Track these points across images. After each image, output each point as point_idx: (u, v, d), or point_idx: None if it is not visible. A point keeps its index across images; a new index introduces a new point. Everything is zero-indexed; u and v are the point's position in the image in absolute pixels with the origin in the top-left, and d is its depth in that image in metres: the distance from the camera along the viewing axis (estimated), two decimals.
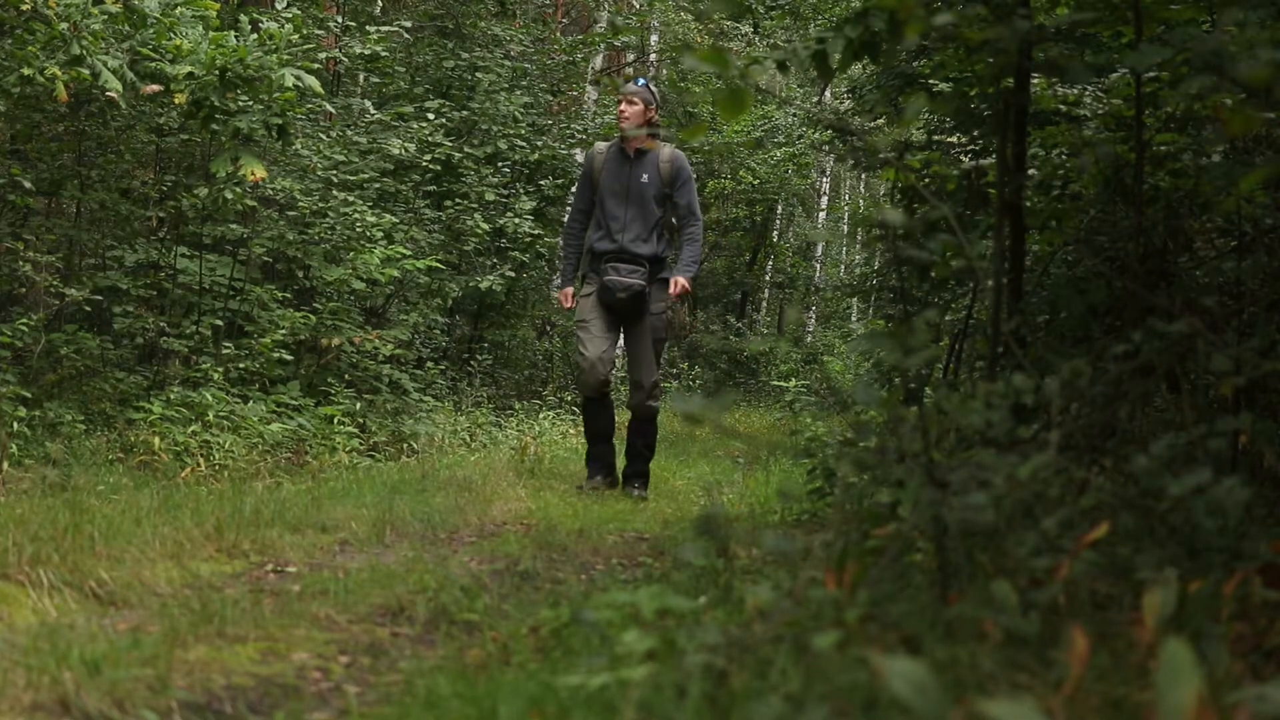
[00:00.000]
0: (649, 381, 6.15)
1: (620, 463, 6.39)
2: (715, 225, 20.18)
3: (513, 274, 10.76)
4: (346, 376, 7.96)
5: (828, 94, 17.06)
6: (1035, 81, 4.33)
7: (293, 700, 2.36)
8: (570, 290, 6.39)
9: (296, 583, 3.35)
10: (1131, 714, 1.75)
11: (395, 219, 8.66)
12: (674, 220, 6.29)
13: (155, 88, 6.39)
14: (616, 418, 6.54)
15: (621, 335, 6.31)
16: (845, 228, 23.37)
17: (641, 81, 6.31)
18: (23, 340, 5.97)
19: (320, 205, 7.97)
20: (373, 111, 9.43)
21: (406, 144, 9.09)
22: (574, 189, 6.53)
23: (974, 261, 2.55)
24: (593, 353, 6.08)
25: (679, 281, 6.11)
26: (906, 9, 2.39)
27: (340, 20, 9.46)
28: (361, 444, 7.27)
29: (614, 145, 6.31)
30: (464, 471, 6.27)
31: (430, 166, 9.57)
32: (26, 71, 5.78)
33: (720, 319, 19.16)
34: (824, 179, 21.89)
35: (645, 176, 6.16)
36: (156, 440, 5.84)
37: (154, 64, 6.39)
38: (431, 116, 9.64)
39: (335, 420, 7.14)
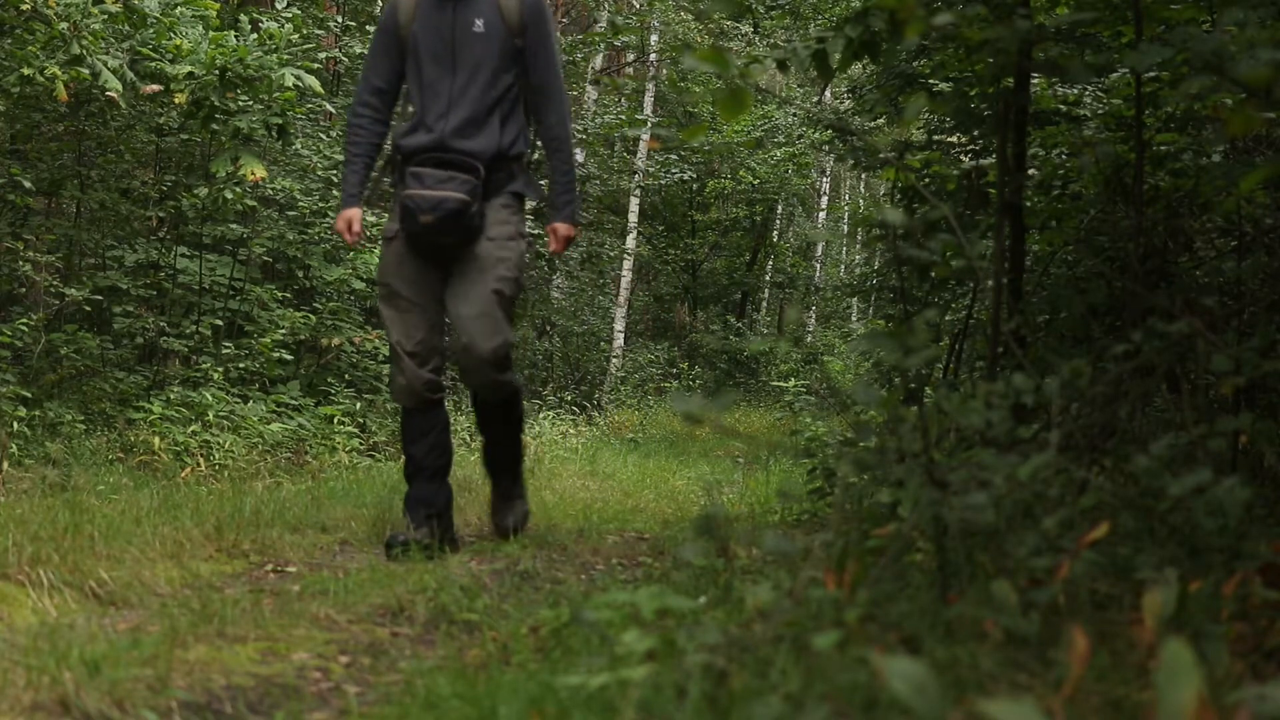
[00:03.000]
0: (489, 343, 3.84)
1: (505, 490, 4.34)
2: (715, 225, 20.18)
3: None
4: (346, 376, 7.96)
5: (828, 94, 17.07)
6: (1035, 81, 4.33)
7: (293, 700, 2.36)
8: (354, 215, 4.01)
9: (296, 583, 3.34)
10: (1131, 714, 1.75)
11: None
12: (528, 99, 4.10)
13: (155, 88, 6.39)
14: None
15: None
16: (845, 228, 23.37)
17: None
18: (23, 340, 5.98)
19: (320, 205, 7.97)
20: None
21: None
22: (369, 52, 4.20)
23: (974, 261, 2.55)
24: (406, 343, 3.93)
25: (559, 230, 4.08)
26: (906, 9, 2.39)
27: (340, 20, 9.46)
28: (361, 444, 7.27)
29: None
30: (464, 471, 6.26)
31: None
32: (26, 71, 5.78)
33: (720, 319, 19.15)
34: (824, 179, 21.89)
35: (480, 22, 3.94)
36: (156, 440, 5.84)
37: (154, 64, 6.39)
38: None
39: (335, 420, 7.13)
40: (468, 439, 8.59)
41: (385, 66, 4.09)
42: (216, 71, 6.37)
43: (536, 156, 4.29)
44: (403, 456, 4.18)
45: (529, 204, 4.20)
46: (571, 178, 4.14)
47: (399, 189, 4.00)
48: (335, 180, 8.20)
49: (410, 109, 4.06)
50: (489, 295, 3.88)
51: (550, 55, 4.06)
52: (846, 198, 25.60)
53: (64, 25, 5.84)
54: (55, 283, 6.63)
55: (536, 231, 8.66)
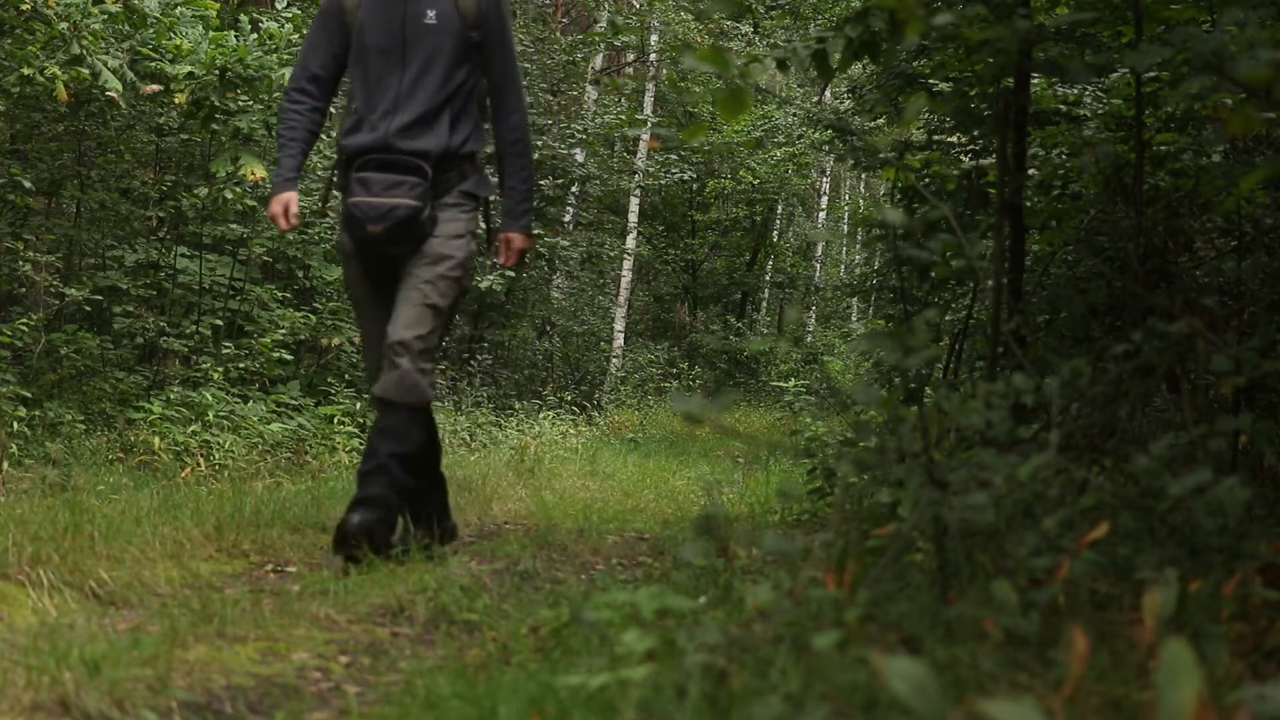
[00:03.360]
0: (407, 331, 3.58)
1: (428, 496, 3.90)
2: (715, 225, 20.19)
3: (513, 274, 10.76)
4: (346, 376, 7.97)
5: (828, 94, 17.07)
6: (1035, 81, 4.33)
7: (293, 700, 2.36)
8: (290, 198, 3.74)
9: (296, 583, 3.34)
10: (1131, 714, 1.75)
11: None
12: (485, 97, 3.82)
13: (155, 88, 6.39)
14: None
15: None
16: (845, 228, 23.38)
17: None
18: (23, 340, 5.98)
19: (320, 205, 7.97)
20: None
21: None
22: (308, 42, 3.88)
23: (974, 261, 2.55)
24: (374, 358, 3.77)
25: (513, 241, 3.83)
26: (906, 9, 2.39)
27: None
28: (361, 444, 7.27)
29: None
30: (464, 471, 6.27)
31: None
32: (26, 71, 5.78)
33: (720, 319, 19.16)
34: (824, 179, 21.90)
35: (432, 13, 3.68)
36: (156, 440, 5.84)
37: (154, 64, 6.40)
38: None
39: (335, 420, 7.13)
40: (468, 439, 8.60)
41: (325, 52, 3.80)
42: (216, 71, 6.38)
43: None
44: None
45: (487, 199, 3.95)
46: (530, 185, 3.87)
47: (344, 195, 3.76)
48: (335, 180, 8.20)
49: (352, 106, 3.76)
50: (421, 288, 3.64)
51: (508, 50, 3.79)
52: (846, 198, 25.60)
53: (64, 25, 5.84)
54: (55, 283, 6.63)
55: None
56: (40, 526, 3.39)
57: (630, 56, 16.73)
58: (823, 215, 22.77)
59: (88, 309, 6.72)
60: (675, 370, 15.95)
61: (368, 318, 3.80)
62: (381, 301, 3.74)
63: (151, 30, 6.38)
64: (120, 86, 6.03)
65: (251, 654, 2.63)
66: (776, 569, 2.76)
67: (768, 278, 21.47)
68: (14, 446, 5.25)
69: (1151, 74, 3.60)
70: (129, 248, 7.07)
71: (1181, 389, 3.10)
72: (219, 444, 6.03)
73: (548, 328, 13.49)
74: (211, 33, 6.53)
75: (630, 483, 6.89)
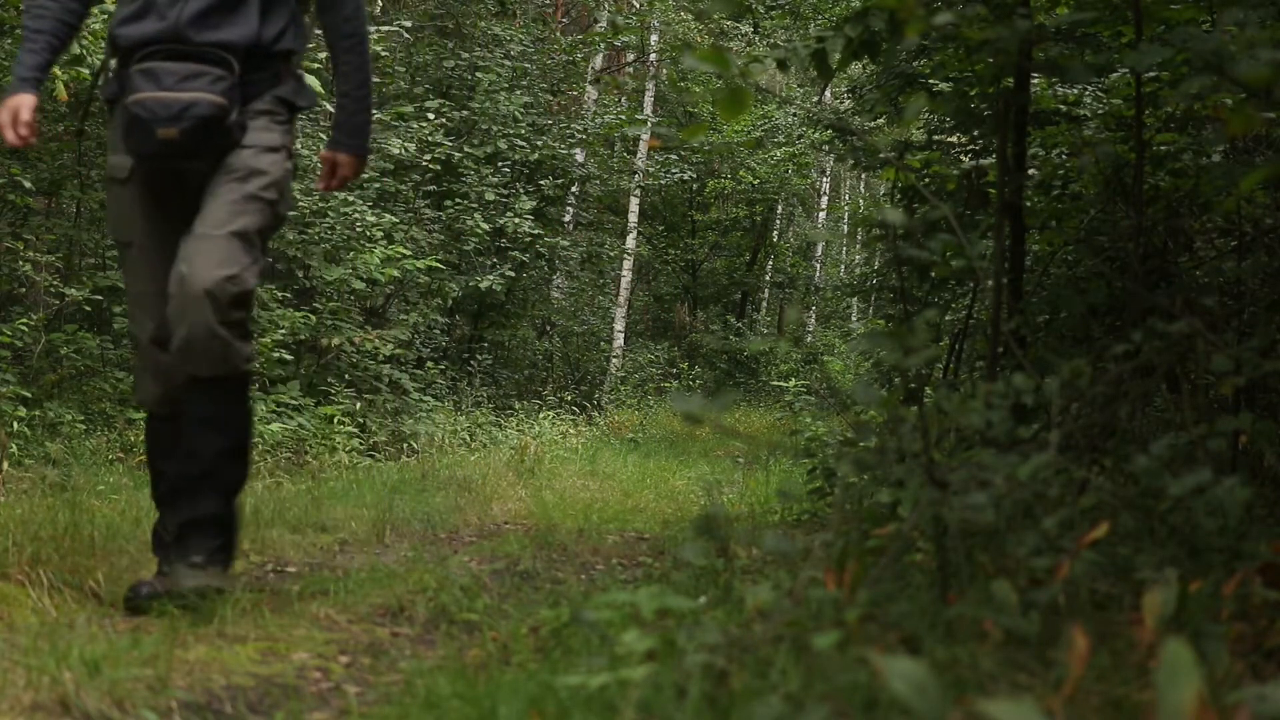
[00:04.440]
0: (214, 271, 2.70)
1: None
2: (715, 225, 20.19)
3: (513, 274, 10.77)
4: (346, 376, 7.97)
5: (828, 94, 17.07)
6: (1035, 81, 4.34)
7: (293, 700, 2.36)
8: (22, 102, 2.78)
9: (296, 583, 3.34)
10: (1131, 714, 1.75)
11: (395, 219, 8.67)
12: None
13: None
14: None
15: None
16: (845, 228, 23.39)
17: None
18: (23, 340, 5.97)
19: (320, 205, 7.97)
20: (373, 111, 9.44)
21: (406, 144, 9.10)
22: None
23: (974, 261, 2.55)
24: (151, 325, 2.88)
25: (340, 165, 3.05)
26: (906, 9, 2.39)
27: None
28: (361, 444, 7.28)
29: None
30: (464, 471, 6.27)
31: (430, 166, 9.58)
32: None
33: (720, 319, 19.17)
34: (824, 179, 21.91)
35: None
36: None
37: None
38: (431, 116, 9.65)
39: (335, 420, 7.13)
40: (468, 439, 8.60)
41: None
42: None
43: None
44: (150, 475, 3.12)
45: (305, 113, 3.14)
46: (367, 92, 3.05)
47: (120, 97, 2.85)
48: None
49: None
50: (228, 211, 2.77)
51: None
52: (846, 198, 25.61)
53: None
54: (55, 283, 6.62)
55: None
56: (40, 526, 3.38)
57: (630, 56, 16.74)
58: (823, 215, 22.77)
59: (88, 309, 6.72)
60: (675, 370, 15.95)
61: (141, 266, 2.88)
62: (166, 242, 2.83)
63: None
64: None
65: (251, 654, 2.63)
66: (776, 569, 2.76)
67: (768, 278, 21.48)
68: (14, 446, 5.24)
69: (1151, 74, 3.60)
70: None
71: (1181, 389, 3.10)
72: None
73: (548, 328, 13.50)
74: None
75: (630, 483, 6.88)
